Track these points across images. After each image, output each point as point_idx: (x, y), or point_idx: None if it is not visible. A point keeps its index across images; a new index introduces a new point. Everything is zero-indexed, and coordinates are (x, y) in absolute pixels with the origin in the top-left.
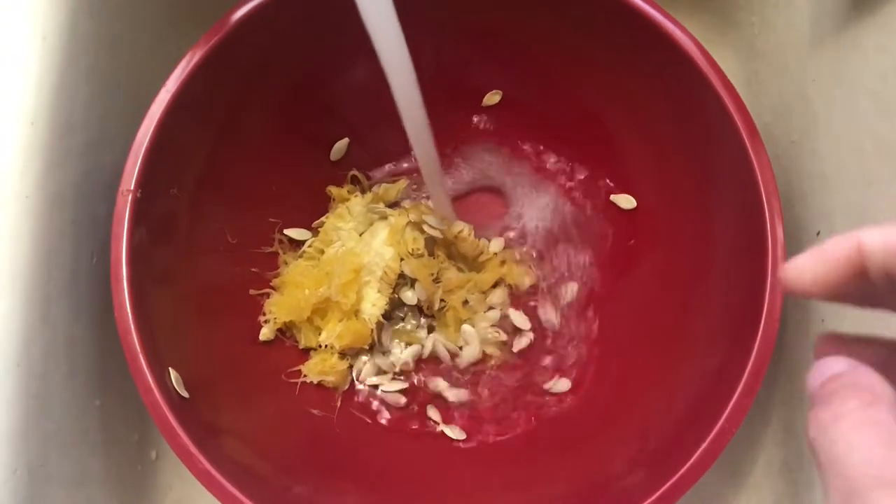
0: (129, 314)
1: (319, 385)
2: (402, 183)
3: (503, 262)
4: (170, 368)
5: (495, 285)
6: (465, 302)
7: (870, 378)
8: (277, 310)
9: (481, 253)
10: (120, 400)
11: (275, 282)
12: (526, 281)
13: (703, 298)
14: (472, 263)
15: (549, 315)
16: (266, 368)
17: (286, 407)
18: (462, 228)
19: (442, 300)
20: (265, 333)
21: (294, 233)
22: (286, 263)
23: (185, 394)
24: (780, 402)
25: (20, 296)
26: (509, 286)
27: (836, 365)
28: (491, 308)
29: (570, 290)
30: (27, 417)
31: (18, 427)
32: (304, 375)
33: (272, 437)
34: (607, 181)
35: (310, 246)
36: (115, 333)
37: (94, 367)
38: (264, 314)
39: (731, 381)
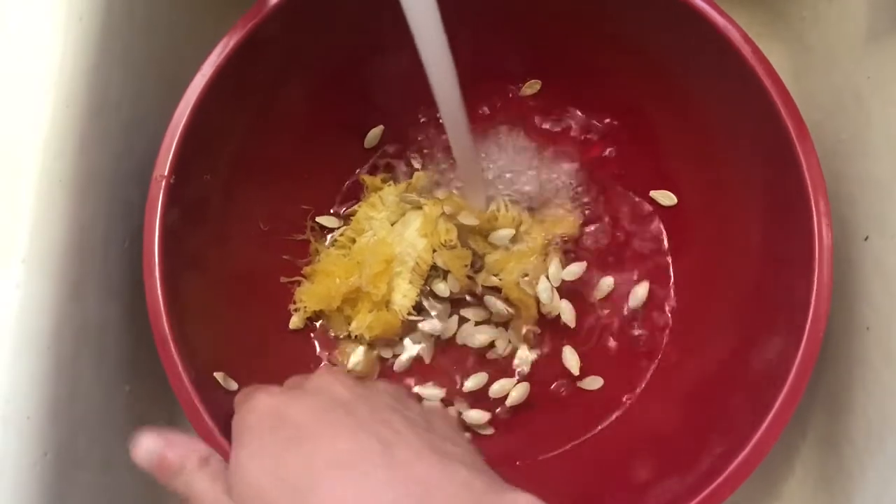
0: (161, 302)
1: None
2: (426, 176)
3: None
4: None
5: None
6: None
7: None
8: (308, 298)
9: (521, 224)
10: (148, 385)
11: (306, 270)
12: (575, 224)
13: (741, 307)
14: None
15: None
16: (295, 356)
17: None
18: (498, 206)
19: (494, 288)
20: (295, 322)
21: (326, 220)
22: (317, 252)
23: (233, 387)
24: (820, 411)
25: (52, 279)
26: (563, 243)
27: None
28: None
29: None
30: (57, 401)
31: (48, 411)
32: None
33: None
34: (648, 176)
35: (341, 235)
36: (145, 318)
37: (124, 351)
38: (294, 302)
39: (772, 392)
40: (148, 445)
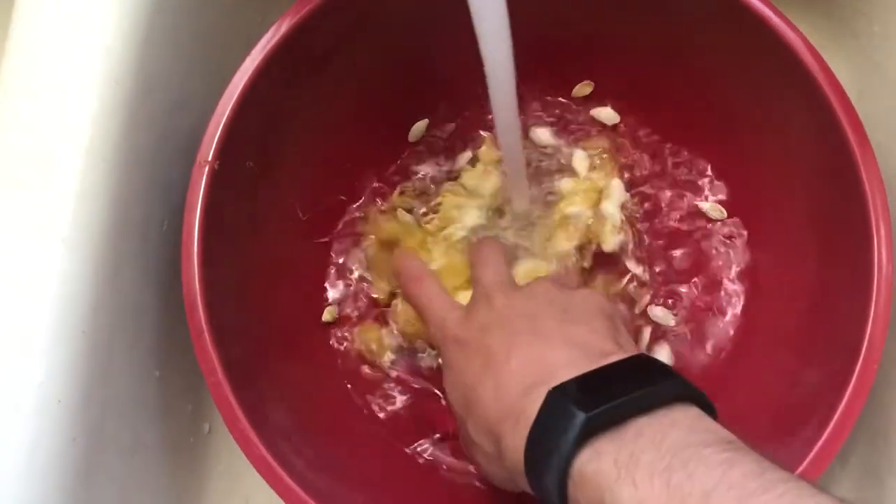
0: (198, 290)
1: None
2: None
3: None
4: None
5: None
6: None
7: None
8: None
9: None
10: (178, 371)
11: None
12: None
13: (795, 334)
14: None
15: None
16: (325, 350)
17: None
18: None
19: None
20: (327, 315)
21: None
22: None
23: None
24: (863, 440)
25: (90, 260)
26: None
27: None
28: None
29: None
30: (90, 385)
31: (81, 395)
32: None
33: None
34: (698, 186)
35: (428, 223)
36: (177, 303)
37: (157, 337)
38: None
39: (823, 416)
40: None
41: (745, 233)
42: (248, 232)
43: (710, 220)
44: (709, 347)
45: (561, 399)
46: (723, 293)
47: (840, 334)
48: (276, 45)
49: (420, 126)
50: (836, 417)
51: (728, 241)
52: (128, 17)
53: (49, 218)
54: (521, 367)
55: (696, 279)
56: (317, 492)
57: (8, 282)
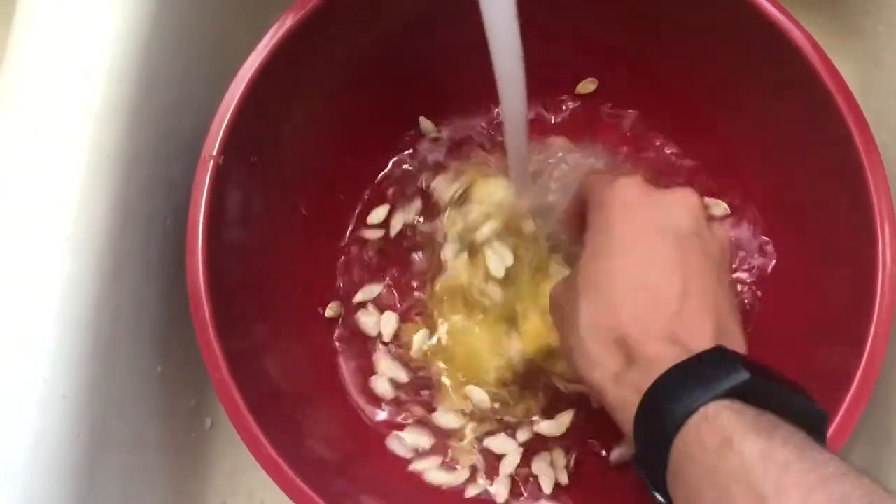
0: (202, 285)
1: None
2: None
3: None
4: None
5: None
6: None
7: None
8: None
9: None
10: (180, 367)
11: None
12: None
13: (797, 338)
14: None
15: None
16: (329, 344)
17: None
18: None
19: None
20: (330, 311)
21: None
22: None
23: None
24: (864, 441)
25: (94, 257)
26: None
27: None
28: None
29: None
30: (93, 382)
31: (84, 391)
32: None
33: (326, 420)
34: (699, 184)
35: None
36: (181, 299)
37: (160, 332)
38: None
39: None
40: None
41: (747, 231)
42: (251, 227)
43: (712, 217)
44: None
45: (726, 354)
46: None
47: (844, 332)
48: (279, 41)
49: (427, 123)
50: (839, 415)
51: (730, 240)
52: (130, 14)
53: (52, 215)
54: (695, 305)
55: None
56: (321, 486)
57: (12, 278)
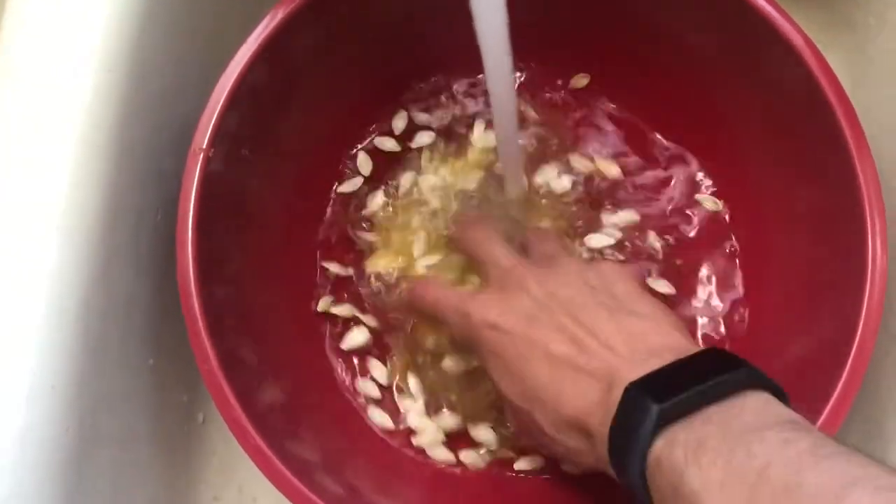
0: (192, 278)
1: None
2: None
3: None
4: None
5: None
6: None
7: None
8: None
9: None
10: (171, 361)
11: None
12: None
13: (787, 328)
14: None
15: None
16: (320, 339)
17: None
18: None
19: None
20: (322, 305)
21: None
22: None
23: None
24: (855, 429)
25: (84, 250)
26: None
27: None
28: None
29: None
30: (82, 375)
31: (73, 385)
32: None
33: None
34: (693, 179)
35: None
36: (172, 294)
37: (150, 326)
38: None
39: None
40: None
41: (739, 225)
42: (243, 220)
43: (706, 210)
44: (702, 340)
45: (637, 393)
46: (716, 285)
47: (834, 325)
48: (271, 32)
49: (422, 116)
50: (829, 405)
51: (723, 233)
52: (121, 5)
53: (42, 208)
54: (596, 343)
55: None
56: (311, 480)
57: (1, 271)
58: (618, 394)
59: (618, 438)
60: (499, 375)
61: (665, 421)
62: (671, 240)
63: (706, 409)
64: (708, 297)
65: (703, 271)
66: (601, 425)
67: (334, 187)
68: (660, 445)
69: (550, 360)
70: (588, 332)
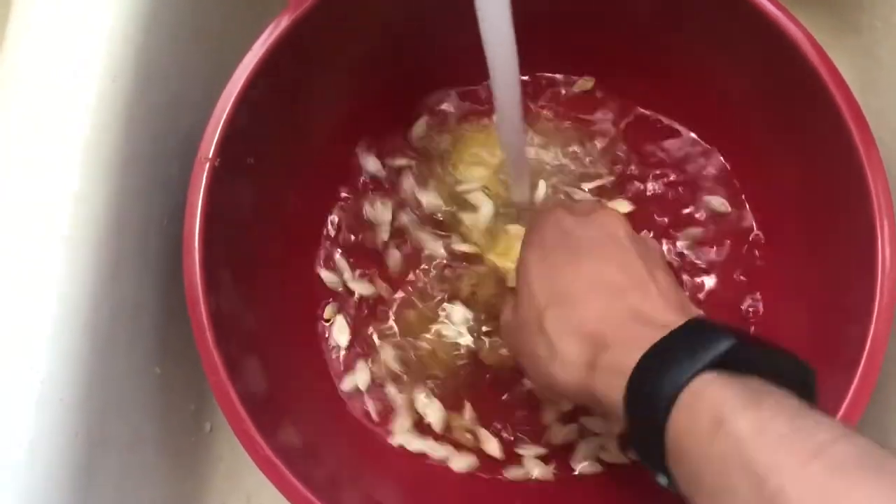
0: (199, 286)
1: None
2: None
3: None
4: None
5: None
6: None
7: None
8: None
9: None
10: (179, 369)
11: None
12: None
13: (797, 326)
14: None
15: None
16: (327, 345)
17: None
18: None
19: None
20: (328, 312)
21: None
22: None
23: None
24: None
25: (91, 258)
26: None
27: None
28: None
29: None
30: (90, 382)
31: (82, 392)
32: None
33: (326, 422)
34: (698, 183)
35: None
36: (179, 300)
37: (158, 333)
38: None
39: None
40: None
41: (749, 228)
42: (249, 228)
43: (717, 214)
44: None
45: (705, 324)
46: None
47: (843, 331)
48: (276, 40)
49: (421, 125)
50: (840, 414)
51: (731, 237)
52: (126, 13)
53: (49, 216)
54: (654, 290)
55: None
56: (319, 489)
57: (9, 280)
58: (666, 320)
59: (655, 358)
60: (535, 266)
61: (726, 361)
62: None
63: (765, 377)
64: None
65: (716, 267)
66: (624, 345)
67: (341, 193)
68: (709, 378)
69: (606, 275)
70: (649, 273)
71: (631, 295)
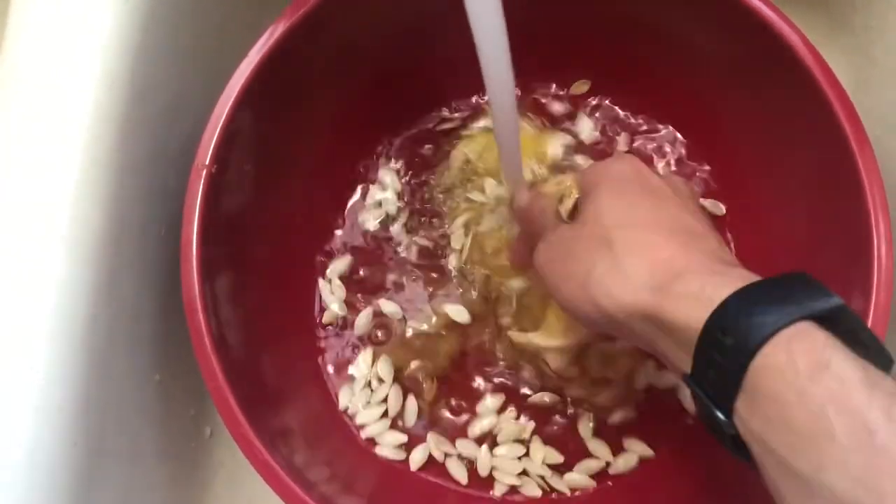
0: (197, 294)
1: None
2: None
3: None
4: None
5: None
6: None
7: None
8: None
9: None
10: (178, 375)
11: None
12: None
13: None
14: None
15: None
16: (326, 352)
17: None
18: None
19: None
20: (328, 317)
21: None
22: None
23: None
24: None
25: (89, 266)
26: None
27: None
28: None
29: None
30: (89, 391)
31: (81, 399)
32: None
33: (325, 428)
34: (694, 186)
35: None
36: (177, 308)
37: (156, 341)
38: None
39: None
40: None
41: (742, 228)
42: (246, 235)
43: (709, 215)
44: None
45: (811, 279)
46: None
47: None
48: (272, 47)
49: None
50: None
51: (725, 238)
52: (124, 20)
53: (47, 224)
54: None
55: None
56: (319, 495)
57: (8, 288)
58: (745, 270)
59: (754, 296)
60: (611, 184)
61: (828, 320)
62: None
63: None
64: None
65: None
66: (709, 277)
67: (340, 201)
68: (810, 326)
69: (685, 220)
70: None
71: (710, 239)
